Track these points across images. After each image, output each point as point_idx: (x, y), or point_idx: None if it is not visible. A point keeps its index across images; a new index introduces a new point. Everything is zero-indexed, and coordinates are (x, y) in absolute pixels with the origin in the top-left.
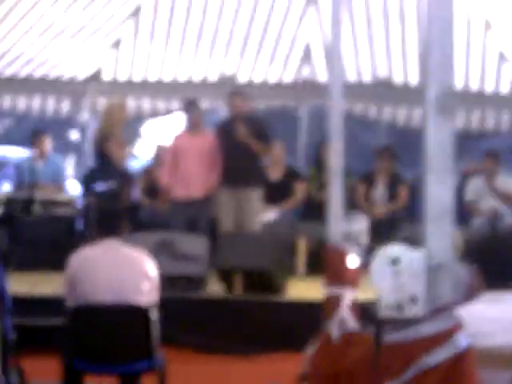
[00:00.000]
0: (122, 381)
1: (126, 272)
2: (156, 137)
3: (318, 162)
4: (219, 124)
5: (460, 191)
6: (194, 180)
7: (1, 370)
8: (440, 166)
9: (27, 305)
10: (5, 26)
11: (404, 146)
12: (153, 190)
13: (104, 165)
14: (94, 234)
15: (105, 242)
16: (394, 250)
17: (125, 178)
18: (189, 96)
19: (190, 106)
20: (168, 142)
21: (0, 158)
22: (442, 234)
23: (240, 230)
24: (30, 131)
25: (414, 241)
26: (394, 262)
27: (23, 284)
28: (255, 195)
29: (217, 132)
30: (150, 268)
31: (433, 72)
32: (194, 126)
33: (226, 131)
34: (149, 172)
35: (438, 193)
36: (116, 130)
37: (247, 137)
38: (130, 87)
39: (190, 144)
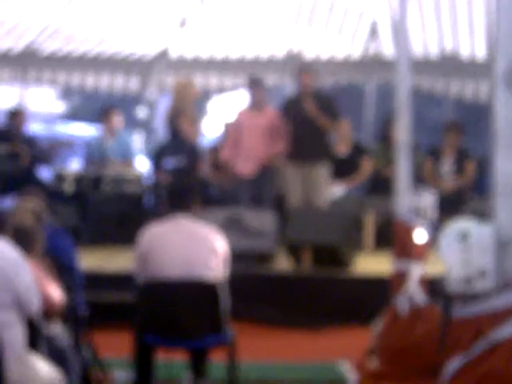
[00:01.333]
0: (191, 355)
1: (195, 248)
2: (223, 114)
3: (385, 138)
4: (286, 100)
5: None
6: (255, 157)
7: (73, 345)
8: (508, 140)
9: (97, 280)
10: (74, 5)
11: (471, 121)
12: (220, 166)
13: (175, 141)
14: (163, 211)
15: (174, 219)
16: (463, 224)
17: (196, 154)
18: (255, 73)
19: (253, 84)
20: (232, 118)
21: (69, 135)
22: (510, 208)
23: (308, 205)
24: (99, 109)
25: (482, 215)
26: (463, 236)
27: (93, 260)
28: (322, 171)
29: (284, 108)
30: (219, 244)
31: (501, 45)
32: (256, 104)
33: (293, 107)
34: (216, 149)
35: (507, 168)
36: (187, 107)
37: (316, 112)
38: (197, 64)
39: (252, 121)
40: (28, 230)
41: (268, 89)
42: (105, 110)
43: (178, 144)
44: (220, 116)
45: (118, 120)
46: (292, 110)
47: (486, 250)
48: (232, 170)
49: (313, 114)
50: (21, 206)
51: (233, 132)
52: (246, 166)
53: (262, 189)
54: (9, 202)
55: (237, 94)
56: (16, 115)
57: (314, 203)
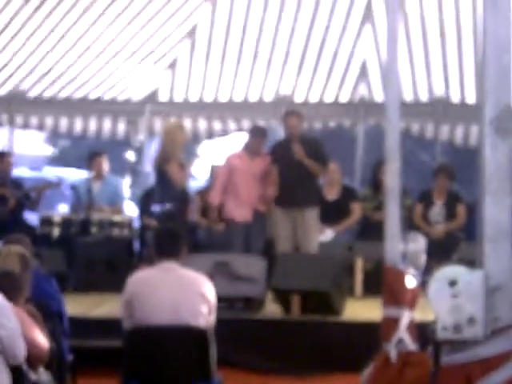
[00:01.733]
0: None
1: (184, 294)
2: (212, 158)
3: (375, 182)
4: (274, 144)
5: None
6: (249, 202)
7: None
8: (497, 187)
9: (84, 326)
10: (61, 48)
11: (461, 165)
12: (208, 210)
13: (163, 186)
14: (151, 256)
15: (163, 264)
16: (452, 271)
17: (184, 199)
18: (245, 116)
19: (257, 132)
20: (222, 162)
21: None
22: (499, 256)
23: (297, 250)
24: (87, 152)
25: (472, 261)
26: (452, 283)
27: (80, 305)
28: (312, 215)
29: (272, 152)
30: (209, 290)
31: (490, 91)
32: (253, 151)
33: (281, 151)
34: (204, 193)
35: (496, 214)
36: (177, 151)
37: (304, 156)
38: (186, 108)
39: (247, 167)
40: (14, 275)
41: None
42: (93, 154)
43: (166, 189)
44: (209, 160)
45: (106, 164)
46: (280, 153)
47: (475, 297)
48: (223, 214)
49: (301, 157)
50: (7, 251)
51: (223, 176)
52: (240, 211)
53: (253, 234)
54: None
55: (226, 138)
56: (3, 158)
57: (303, 248)
